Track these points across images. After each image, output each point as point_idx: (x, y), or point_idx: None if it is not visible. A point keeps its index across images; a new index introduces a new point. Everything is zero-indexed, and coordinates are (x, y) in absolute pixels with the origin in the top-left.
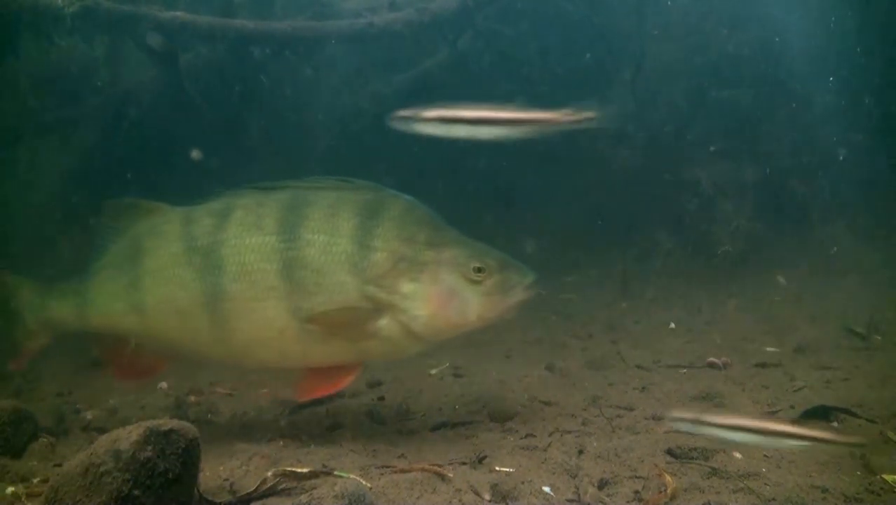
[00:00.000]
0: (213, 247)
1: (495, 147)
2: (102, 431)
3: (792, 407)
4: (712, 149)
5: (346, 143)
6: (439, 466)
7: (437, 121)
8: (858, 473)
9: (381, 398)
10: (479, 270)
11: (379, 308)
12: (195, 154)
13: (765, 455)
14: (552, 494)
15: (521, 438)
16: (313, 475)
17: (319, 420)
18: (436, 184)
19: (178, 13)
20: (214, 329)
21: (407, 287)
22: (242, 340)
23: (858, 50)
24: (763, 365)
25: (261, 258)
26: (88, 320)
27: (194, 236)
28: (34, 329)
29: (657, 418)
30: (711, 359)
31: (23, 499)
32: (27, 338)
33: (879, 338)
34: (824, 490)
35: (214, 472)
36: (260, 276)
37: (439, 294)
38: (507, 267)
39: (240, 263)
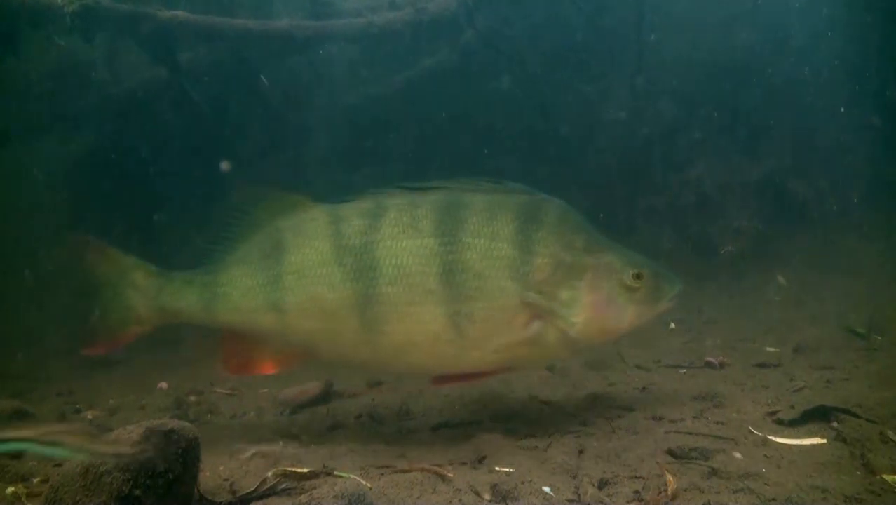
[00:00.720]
0: (366, 247)
1: (494, 146)
2: (102, 431)
3: (792, 407)
4: (698, 135)
5: (345, 143)
6: (439, 466)
7: None
8: (858, 473)
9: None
10: (637, 277)
11: (538, 314)
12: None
13: (765, 455)
14: (552, 494)
15: (521, 438)
16: (313, 475)
17: (319, 420)
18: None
19: (178, 13)
20: (363, 332)
21: (566, 293)
22: (392, 344)
23: (861, 47)
24: (763, 365)
25: (419, 261)
26: (215, 315)
27: (345, 235)
28: (143, 315)
29: (657, 418)
30: (708, 358)
31: (23, 499)
32: (133, 323)
33: (879, 338)
34: (824, 490)
35: (214, 472)
36: (418, 279)
37: (597, 301)
38: (659, 275)
39: (396, 266)
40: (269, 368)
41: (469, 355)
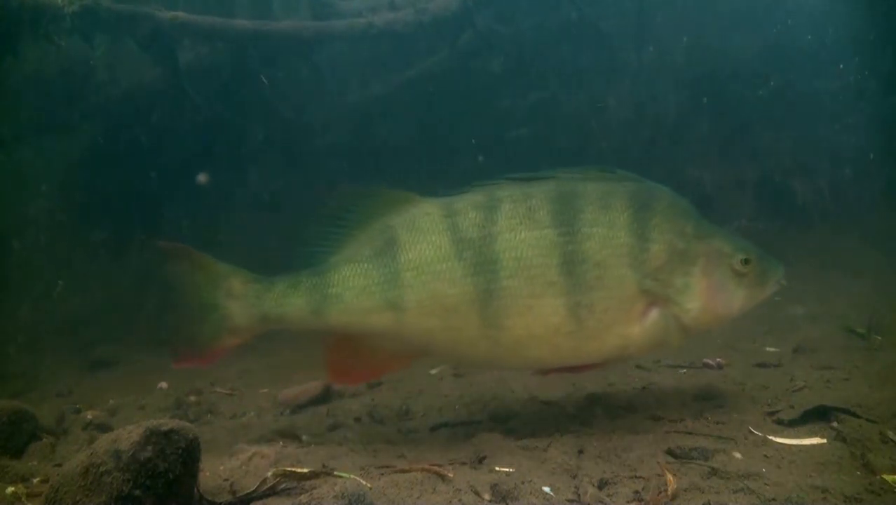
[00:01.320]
0: (485, 241)
1: (493, 144)
2: (102, 431)
3: (792, 407)
4: (698, 134)
5: (346, 142)
6: (439, 466)
7: None
8: (858, 473)
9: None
10: (745, 261)
11: (654, 302)
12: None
13: (765, 455)
14: (552, 494)
15: (521, 438)
16: (313, 475)
17: (319, 420)
18: (435, 182)
19: (178, 13)
20: (483, 327)
21: (680, 280)
22: (513, 338)
23: (862, 46)
24: (763, 365)
25: (539, 253)
26: (326, 318)
27: (462, 229)
28: (242, 325)
29: (657, 418)
30: (706, 360)
31: (23, 499)
32: (229, 334)
33: (879, 338)
34: (824, 490)
35: (214, 472)
36: (539, 271)
37: (710, 287)
38: (764, 259)
39: (517, 258)
40: (379, 372)
41: (587, 347)
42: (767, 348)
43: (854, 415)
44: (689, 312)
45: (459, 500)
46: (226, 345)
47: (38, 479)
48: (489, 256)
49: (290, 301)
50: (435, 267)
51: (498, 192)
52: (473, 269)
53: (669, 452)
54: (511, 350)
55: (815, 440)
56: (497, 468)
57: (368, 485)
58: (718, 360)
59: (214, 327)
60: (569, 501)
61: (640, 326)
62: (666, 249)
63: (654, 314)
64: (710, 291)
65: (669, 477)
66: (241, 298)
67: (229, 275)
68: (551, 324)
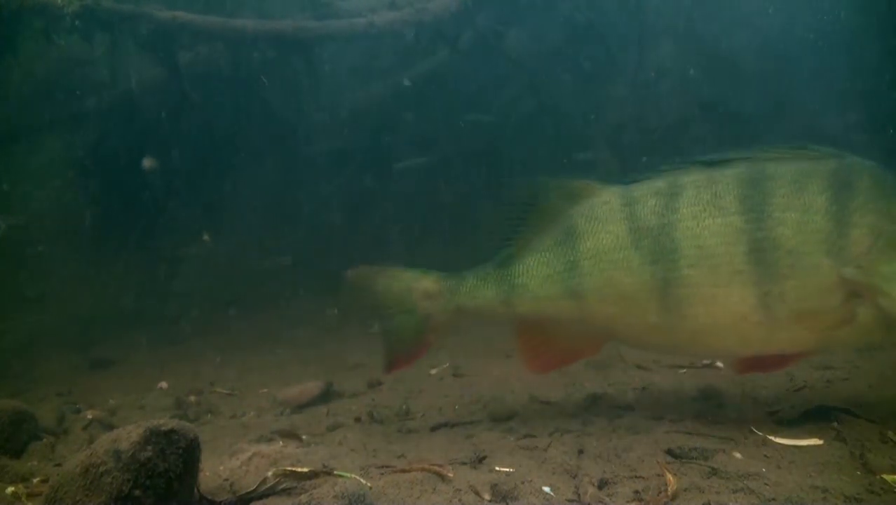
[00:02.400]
0: (664, 229)
1: (495, 143)
2: (102, 430)
3: (792, 407)
4: (698, 133)
5: (346, 142)
6: (439, 466)
7: None
8: (858, 473)
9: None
10: None
11: (856, 292)
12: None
13: (765, 455)
14: (552, 494)
15: (521, 438)
16: (313, 475)
17: (319, 420)
18: (436, 181)
19: (178, 13)
20: (663, 315)
21: (886, 268)
22: (696, 327)
23: (864, 46)
24: None
25: (724, 241)
26: (515, 307)
27: (640, 217)
28: (441, 321)
29: (657, 418)
30: (707, 361)
31: (23, 499)
32: (430, 331)
33: None
34: (824, 490)
35: (214, 472)
36: (723, 259)
37: None
38: None
39: (698, 247)
40: (571, 358)
41: (778, 338)
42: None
43: (854, 415)
44: None
45: (459, 500)
46: (429, 341)
47: (38, 479)
48: (668, 245)
49: (481, 293)
50: (612, 256)
51: (682, 177)
52: (651, 257)
53: (669, 452)
54: (694, 338)
55: (815, 440)
56: (497, 468)
57: (368, 485)
58: (718, 361)
59: (418, 329)
60: (569, 501)
61: (839, 318)
62: (869, 234)
63: (856, 305)
64: None
65: (669, 477)
66: (436, 297)
67: (420, 278)
68: (737, 313)
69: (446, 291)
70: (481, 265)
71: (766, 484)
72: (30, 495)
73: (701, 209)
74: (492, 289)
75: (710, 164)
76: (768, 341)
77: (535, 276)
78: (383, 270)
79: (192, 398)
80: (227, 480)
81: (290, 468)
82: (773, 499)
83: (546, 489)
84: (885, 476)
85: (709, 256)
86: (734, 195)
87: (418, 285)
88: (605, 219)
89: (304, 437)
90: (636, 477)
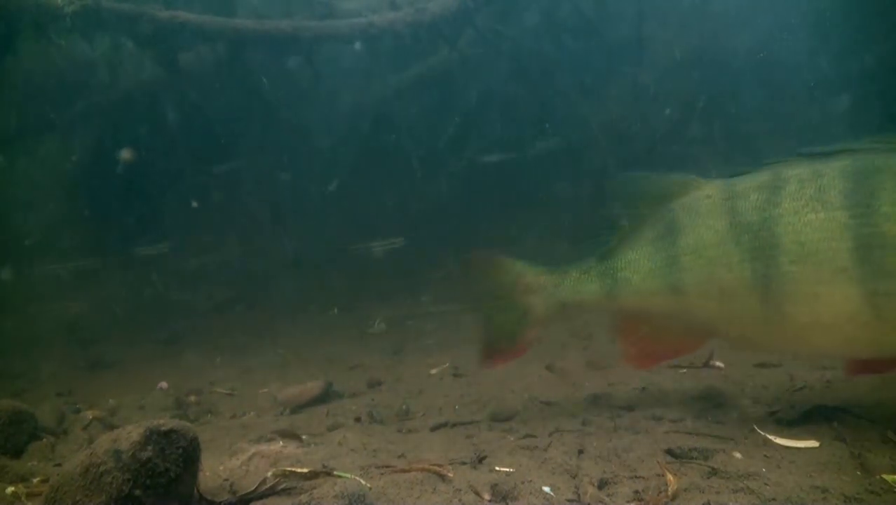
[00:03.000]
0: (765, 224)
1: (495, 144)
2: (102, 430)
3: (792, 407)
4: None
5: (347, 141)
6: (439, 466)
7: None
8: (858, 473)
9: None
10: None
11: None
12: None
13: (765, 455)
14: (552, 494)
15: (521, 438)
16: (313, 475)
17: (319, 420)
18: (440, 184)
19: (178, 12)
20: (765, 313)
21: None
22: (799, 325)
23: (863, 46)
24: (763, 365)
25: (828, 237)
26: (617, 300)
27: (740, 212)
28: (543, 314)
29: (657, 418)
30: (707, 362)
31: (23, 499)
32: (532, 325)
33: None
34: (824, 490)
35: (214, 472)
36: (827, 256)
37: None
38: None
39: (800, 243)
40: (673, 353)
41: (889, 339)
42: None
43: (854, 415)
44: None
45: (459, 500)
46: (530, 337)
47: (38, 479)
48: (769, 241)
49: (585, 287)
50: (711, 251)
51: (786, 171)
52: (751, 253)
53: (669, 452)
54: (797, 337)
55: (815, 441)
56: (497, 468)
57: (368, 485)
58: (718, 362)
59: (520, 322)
60: (569, 501)
61: None
62: None
63: None
64: None
65: (670, 477)
66: (539, 291)
67: (525, 271)
68: (843, 312)
69: (549, 286)
70: (583, 260)
71: (766, 484)
72: (30, 495)
73: (804, 204)
74: (595, 283)
75: (816, 156)
76: (878, 343)
77: (638, 270)
78: (496, 258)
79: (192, 398)
80: (227, 480)
81: (289, 468)
82: (773, 499)
83: (546, 489)
84: (885, 476)
85: (812, 253)
86: (839, 189)
87: (523, 279)
88: (707, 213)
89: (304, 437)
90: (636, 477)
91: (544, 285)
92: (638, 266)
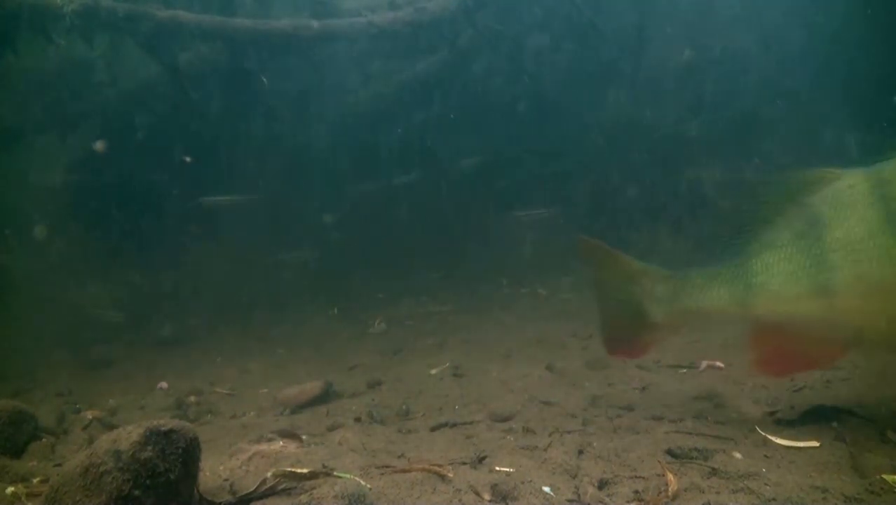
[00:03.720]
0: None
1: (496, 147)
2: (102, 430)
3: (792, 407)
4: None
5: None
6: (439, 466)
7: None
8: (858, 473)
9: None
10: None
11: None
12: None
13: (765, 455)
14: (552, 494)
15: (521, 438)
16: (313, 475)
17: (319, 420)
18: (439, 183)
19: (178, 12)
20: None
21: None
22: None
23: (862, 46)
24: None
25: None
26: (751, 307)
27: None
28: (661, 321)
29: (657, 418)
30: (707, 362)
31: (23, 499)
32: (649, 331)
33: None
34: (824, 490)
35: (214, 472)
36: None
37: None
38: None
39: None
40: (813, 363)
41: None
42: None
43: (854, 415)
44: None
45: (459, 500)
46: (648, 340)
47: (38, 479)
48: None
49: (711, 294)
50: (865, 245)
51: None
52: None
53: (669, 452)
54: None
55: (815, 441)
56: (497, 468)
57: (368, 485)
58: (714, 362)
59: (635, 324)
60: (569, 501)
61: None
62: None
63: None
64: None
65: (670, 476)
66: (655, 296)
67: (644, 273)
68: None
69: (668, 291)
70: (706, 265)
71: (766, 484)
72: (30, 495)
73: None
74: (724, 289)
75: None
76: None
77: (777, 273)
78: (611, 253)
79: (192, 398)
80: (226, 480)
81: (289, 469)
82: (773, 499)
83: (546, 489)
84: (885, 476)
85: None
86: None
87: (640, 280)
88: (854, 204)
89: (303, 437)
90: (636, 477)
91: (663, 291)
92: (776, 269)
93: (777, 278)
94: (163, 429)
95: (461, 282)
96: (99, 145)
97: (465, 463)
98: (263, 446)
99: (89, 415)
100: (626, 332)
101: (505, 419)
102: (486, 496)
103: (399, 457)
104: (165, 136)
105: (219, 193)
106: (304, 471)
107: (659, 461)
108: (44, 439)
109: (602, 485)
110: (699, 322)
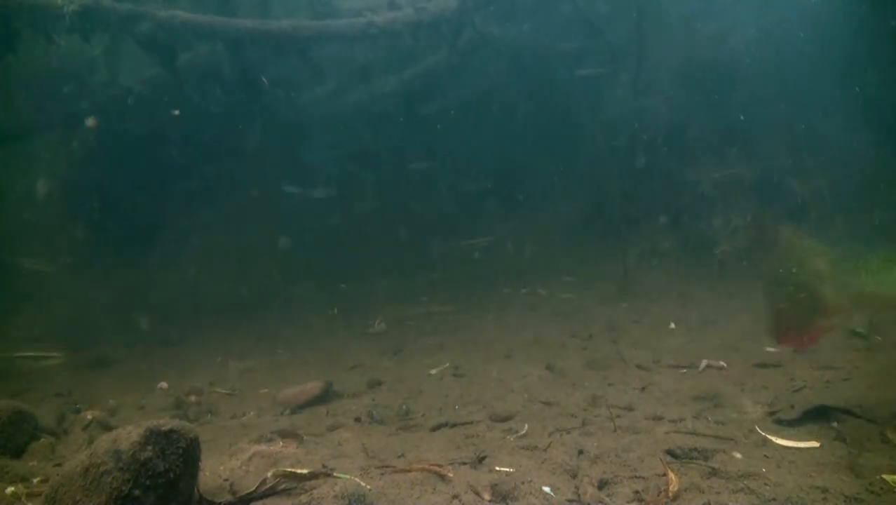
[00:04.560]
0: None
1: (496, 146)
2: (102, 431)
3: (792, 407)
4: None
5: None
6: (439, 466)
7: None
8: (858, 473)
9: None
10: None
11: None
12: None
13: (765, 455)
14: (552, 494)
15: (521, 438)
16: (313, 476)
17: (319, 420)
18: (440, 184)
19: (178, 12)
20: None
21: None
22: None
23: (861, 47)
24: (763, 365)
25: None
26: None
27: None
28: (834, 305)
29: (657, 418)
30: (707, 362)
31: (23, 499)
32: (824, 315)
33: (879, 338)
34: (824, 490)
35: (214, 472)
36: None
37: None
38: None
39: None
40: None
41: None
42: (767, 348)
43: (854, 415)
44: None
45: (459, 500)
46: (821, 326)
47: (38, 479)
48: None
49: (891, 279)
50: None
51: None
52: None
53: (669, 452)
54: None
55: (815, 441)
56: (497, 468)
57: (368, 486)
58: (718, 362)
59: (809, 309)
60: (569, 501)
61: None
62: None
63: None
64: None
65: (671, 476)
66: (832, 278)
67: (818, 254)
68: None
69: (845, 275)
70: (888, 247)
71: (766, 484)
72: (30, 495)
73: None
74: None
75: None
76: None
77: None
78: (802, 240)
79: (192, 398)
80: (227, 480)
81: (289, 469)
82: (773, 499)
83: (546, 489)
84: (885, 476)
85: None
86: None
87: (814, 262)
88: None
89: (304, 437)
90: (636, 477)
91: (837, 273)
92: None
93: None
94: (163, 429)
95: (461, 282)
96: (99, 145)
97: (465, 463)
98: (263, 446)
99: (89, 415)
100: (800, 317)
101: (505, 419)
102: (486, 496)
103: (399, 457)
104: (166, 136)
105: (219, 194)
106: (304, 471)
107: (660, 460)
108: (44, 439)
109: (602, 485)
110: (875, 308)
